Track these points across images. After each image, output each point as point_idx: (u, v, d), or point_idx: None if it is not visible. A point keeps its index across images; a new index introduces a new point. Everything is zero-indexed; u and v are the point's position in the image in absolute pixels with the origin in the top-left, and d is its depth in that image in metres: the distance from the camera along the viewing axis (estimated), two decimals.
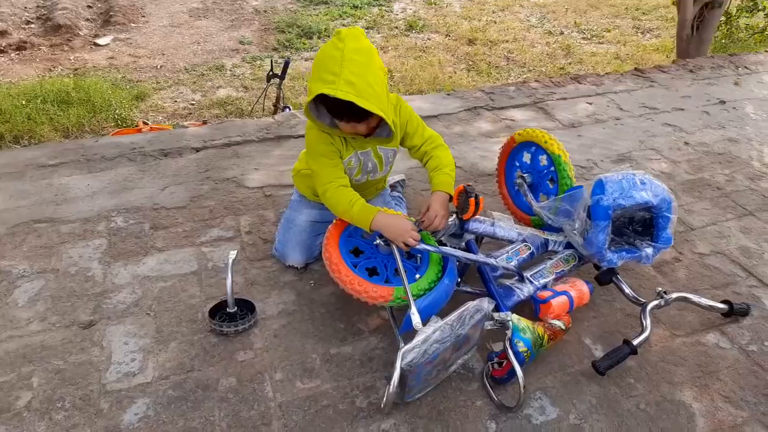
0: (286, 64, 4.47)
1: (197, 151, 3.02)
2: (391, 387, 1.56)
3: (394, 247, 1.86)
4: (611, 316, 2.11)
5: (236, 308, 2.00)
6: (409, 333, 1.70)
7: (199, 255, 2.30)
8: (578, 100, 3.77)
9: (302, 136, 3.18)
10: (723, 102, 3.79)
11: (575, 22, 8.39)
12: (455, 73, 6.22)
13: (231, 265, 1.97)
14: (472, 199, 1.87)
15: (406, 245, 1.86)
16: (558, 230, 2.23)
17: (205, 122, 3.56)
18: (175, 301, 2.09)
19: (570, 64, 6.81)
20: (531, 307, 1.98)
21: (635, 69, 4.33)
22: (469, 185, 1.89)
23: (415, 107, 3.56)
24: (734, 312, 2.07)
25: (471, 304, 1.75)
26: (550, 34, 7.92)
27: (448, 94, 3.82)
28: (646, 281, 2.28)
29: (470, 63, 6.64)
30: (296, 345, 1.94)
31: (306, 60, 6.58)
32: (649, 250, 2.06)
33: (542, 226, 2.33)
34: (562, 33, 7.97)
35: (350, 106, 1.71)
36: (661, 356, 1.96)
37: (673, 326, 2.08)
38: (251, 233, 2.44)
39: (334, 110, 1.80)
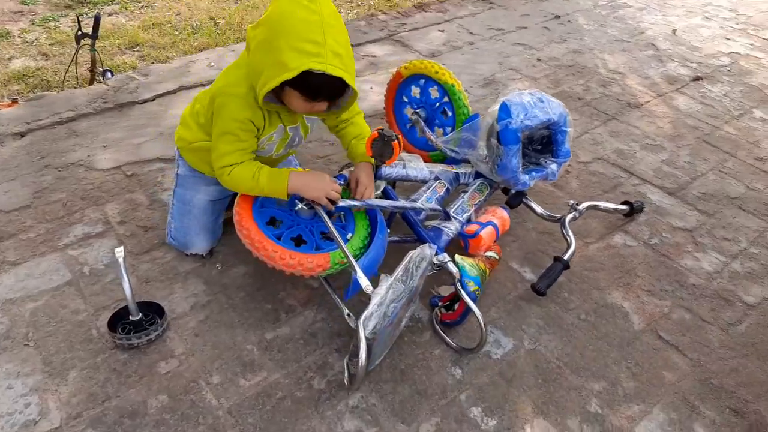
0: (97, 20, 3.82)
1: (22, 136, 2.47)
2: (362, 360, 1.41)
3: (319, 207, 1.67)
4: (528, 237, 2.14)
5: (140, 314, 1.68)
6: (354, 298, 1.58)
7: (68, 261, 1.90)
8: (430, 29, 3.72)
9: (148, 101, 2.76)
10: (558, 16, 3.99)
11: None
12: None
13: (124, 264, 1.63)
14: (395, 142, 1.72)
15: (331, 202, 1.68)
16: (460, 162, 2.18)
17: (15, 101, 2.92)
18: (57, 321, 1.70)
19: None
20: (458, 245, 1.92)
21: None
22: (381, 129, 1.73)
23: None
24: (634, 210, 2.21)
25: (414, 253, 1.65)
26: None
27: None
28: (546, 197, 2.34)
29: None
30: (224, 339, 1.70)
31: (111, 15, 5.73)
32: (554, 166, 2.09)
33: (442, 160, 2.26)
34: None
35: (331, 82, 1.46)
36: (582, 265, 2.04)
37: (582, 235, 2.16)
38: (125, 223, 2.06)
39: (308, 88, 1.49)
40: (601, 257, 2.08)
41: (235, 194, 1.79)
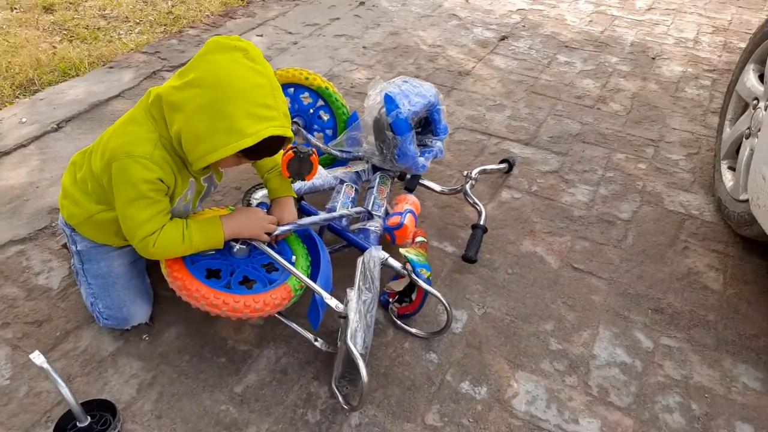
0: None
1: None
2: (364, 378, 1.40)
3: (260, 244, 1.59)
4: (432, 214, 2.25)
5: (88, 418, 1.46)
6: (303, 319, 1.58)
7: None
8: (247, 35, 3.62)
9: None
10: (363, 2, 4.13)
11: None
12: (56, 48, 5.20)
13: (51, 368, 1.39)
14: (312, 156, 1.69)
15: (269, 234, 1.61)
16: (348, 161, 2.20)
17: None
18: None
19: (174, 6, 6.38)
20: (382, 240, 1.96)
21: None
22: (295, 147, 1.69)
23: (84, 92, 2.93)
24: (512, 166, 2.43)
25: (364, 259, 1.65)
26: None
27: (110, 68, 3.22)
28: (429, 174, 2.46)
29: (65, 32, 5.61)
30: (192, 410, 1.55)
31: None
32: (439, 144, 2.23)
33: (330, 164, 2.26)
34: None
35: (277, 142, 1.43)
36: (489, 226, 2.20)
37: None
38: (9, 324, 1.75)
39: (255, 150, 1.40)
40: (500, 215, 2.27)
41: None
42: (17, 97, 3.07)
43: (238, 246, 1.60)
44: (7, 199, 2.23)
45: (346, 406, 1.53)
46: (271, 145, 1.43)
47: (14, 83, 3.25)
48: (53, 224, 2.11)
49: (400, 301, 1.82)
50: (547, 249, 2.11)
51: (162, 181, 1.46)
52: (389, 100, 2.01)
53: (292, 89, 2.24)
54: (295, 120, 2.26)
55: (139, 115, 1.48)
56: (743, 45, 3.74)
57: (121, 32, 5.95)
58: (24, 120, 2.71)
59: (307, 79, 2.16)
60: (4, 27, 4.94)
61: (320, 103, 2.24)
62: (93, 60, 3.54)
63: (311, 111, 2.26)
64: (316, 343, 1.66)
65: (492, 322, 1.83)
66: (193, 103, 1.34)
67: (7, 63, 3.49)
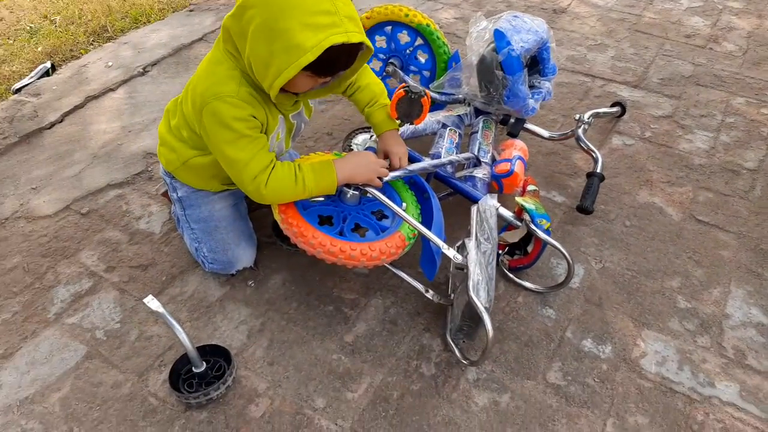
0: None
1: None
2: (489, 332, 1.31)
3: (371, 189, 1.50)
4: (536, 162, 2.11)
5: (204, 364, 1.43)
6: (410, 269, 1.49)
7: (71, 331, 1.57)
8: None
9: (56, 123, 2.33)
10: None
11: None
12: None
13: (167, 312, 1.36)
14: (424, 98, 1.57)
15: (381, 179, 1.52)
16: (443, 106, 2.06)
17: None
18: (100, 404, 1.41)
19: None
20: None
21: None
22: (406, 85, 1.57)
23: (167, 36, 2.87)
24: (624, 110, 2.24)
25: (480, 207, 1.54)
26: None
27: (191, 11, 3.15)
28: (529, 119, 2.30)
29: None
30: (304, 358, 1.50)
31: None
32: (548, 84, 2.05)
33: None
34: None
35: (348, 51, 1.28)
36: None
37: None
38: (115, 268, 1.74)
39: (325, 65, 1.27)
40: (612, 163, 2.10)
41: None
42: (91, 43, 3.05)
43: (351, 192, 1.51)
44: (100, 143, 2.22)
45: (464, 361, 1.45)
46: (341, 57, 1.29)
47: (87, 30, 3.23)
48: (149, 168, 2.09)
49: (511, 253, 1.71)
50: (667, 200, 1.95)
51: (255, 118, 1.37)
52: (500, 37, 1.85)
53: (389, 27, 2.10)
54: (391, 60, 2.14)
55: (218, 54, 1.38)
56: None
57: None
58: (110, 64, 2.68)
59: (407, 15, 2.02)
60: None
61: (419, 42, 2.10)
62: (163, 6, 3.46)
63: (409, 51, 2.13)
64: (427, 294, 1.58)
65: (611, 277, 1.70)
66: (252, 26, 1.23)
67: (79, 10, 3.46)
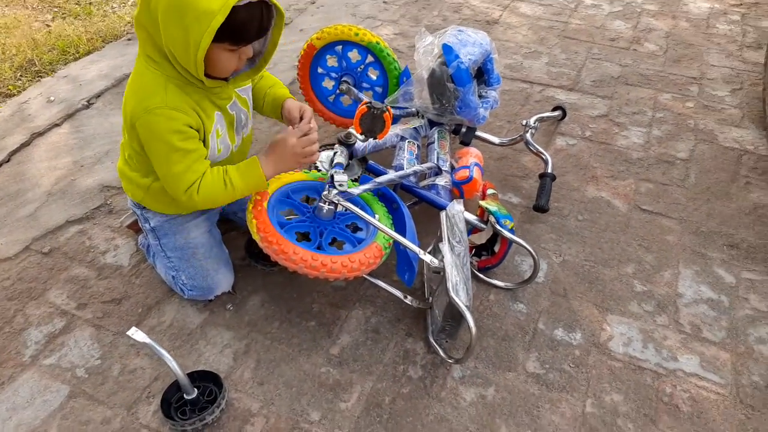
0: None
1: None
2: (473, 330, 1.38)
3: (348, 204, 1.55)
4: (490, 166, 2.22)
5: (195, 390, 1.44)
6: (385, 275, 1.57)
7: (51, 373, 1.54)
8: None
9: (3, 163, 2.25)
10: None
11: None
12: (50, 27, 5.02)
13: (155, 342, 1.37)
14: (386, 113, 1.64)
15: (345, 194, 1.57)
16: (397, 119, 2.15)
17: None
18: None
19: None
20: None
21: None
22: (369, 102, 1.64)
23: (107, 66, 2.82)
24: (565, 113, 2.39)
25: (448, 212, 1.62)
26: None
27: (128, 41, 3.11)
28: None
29: (56, 10, 5.42)
30: (293, 374, 1.53)
31: None
32: (494, 94, 2.17)
33: None
34: None
35: (256, 15, 1.29)
36: None
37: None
38: (87, 305, 1.71)
39: (236, 29, 1.27)
40: (559, 162, 2.23)
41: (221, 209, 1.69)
42: (19, 78, 2.96)
43: (326, 207, 1.55)
44: (53, 179, 2.17)
45: (450, 360, 1.52)
46: (252, 19, 1.30)
47: (14, 65, 3.14)
48: (108, 201, 2.06)
49: (479, 254, 1.80)
50: (613, 193, 2.09)
51: (191, 127, 1.39)
52: (448, 51, 1.95)
53: (339, 47, 2.16)
54: (344, 79, 2.20)
55: (140, 65, 1.40)
56: None
57: (114, 5, 5.75)
58: (52, 99, 2.62)
59: (356, 35, 2.09)
60: None
61: (369, 59, 2.17)
62: (91, 36, 3.41)
63: (360, 68, 2.20)
64: (406, 300, 1.64)
65: (572, 269, 1.82)
66: (160, 12, 1.25)
67: (1, 45, 3.36)
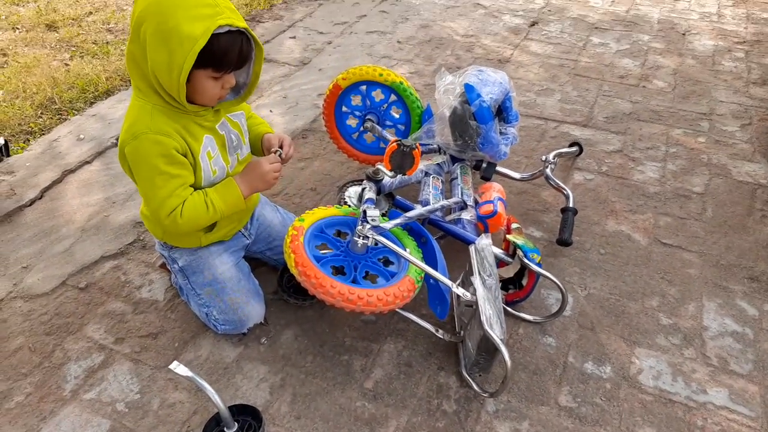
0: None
1: None
2: (508, 363, 1.42)
3: (381, 238, 1.60)
4: (511, 201, 2.27)
5: (236, 424, 1.47)
6: (416, 310, 1.61)
7: (92, 407, 1.56)
8: (280, 38, 3.61)
9: (36, 200, 2.31)
10: None
11: None
12: (69, 66, 5.15)
13: (197, 375, 1.40)
14: (416, 150, 1.71)
15: (377, 228, 1.62)
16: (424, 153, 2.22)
17: None
18: None
19: None
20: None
21: None
22: (398, 140, 1.71)
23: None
24: (582, 149, 2.46)
25: (477, 246, 1.67)
26: None
27: None
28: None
29: (73, 49, 5.57)
30: (330, 408, 1.56)
31: None
32: (513, 130, 2.24)
33: None
34: None
35: (237, 43, 1.38)
36: None
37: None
38: (124, 340, 1.75)
39: (217, 55, 1.36)
40: (578, 196, 2.29)
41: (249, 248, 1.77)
42: (39, 116, 3.06)
43: (360, 241, 1.60)
44: (86, 216, 2.23)
45: (484, 394, 1.55)
46: (233, 46, 1.37)
47: (34, 103, 3.23)
48: (141, 237, 2.11)
49: (506, 288, 1.84)
50: (632, 227, 2.15)
51: (177, 151, 1.45)
52: (470, 90, 2.03)
53: (364, 87, 2.24)
54: (368, 117, 2.27)
55: (132, 100, 1.49)
56: (766, 16, 3.80)
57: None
58: (82, 137, 2.70)
59: (381, 75, 2.17)
60: (10, 47, 4.94)
61: (392, 98, 2.25)
62: (110, 75, 3.52)
63: (384, 107, 2.27)
64: (437, 334, 1.68)
65: (598, 302, 1.86)
66: (147, 38, 1.33)
67: (22, 83, 3.46)
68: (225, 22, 1.32)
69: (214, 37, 1.32)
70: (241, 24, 1.37)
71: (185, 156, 1.48)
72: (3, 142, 2.66)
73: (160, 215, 1.48)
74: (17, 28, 5.67)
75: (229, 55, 1.38)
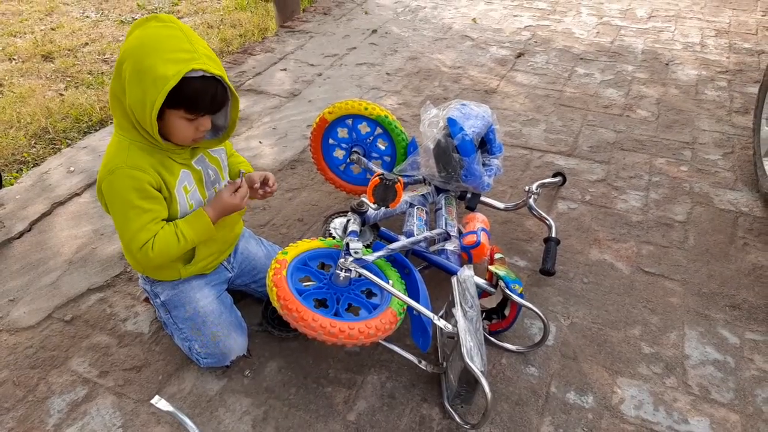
0: None
1: None
2: (488, 395, 1.42)
3: (364, 271, 1.62)
4: (495, 230, 2.30)
5: None
6: (399, 340, 1.62)
7: None
8: (271, 70, 3.68)
9: (25, 232, 2.33)
10: (375, 31, 4.22)
11: (137, 5, 7.86)
12: (63, 96, 5.22)
13: (176, 409, 1.40)
14: (398, 184, 1.74)
15: (360, 260, 1.65)
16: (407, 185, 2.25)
17: None
18: None
19: None
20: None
21: (282, 26, 4.40)
22: (382, 173, 1.74)
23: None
24: (565, 179, 2.50)
25: (459, 278, 1.69)
26: (123, 24, 7.25)
27: None
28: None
29: (68, 79, 5.65)
30: None
31: None
32: (496, 161, 2.28)
33: None
34: (133, 18, 7.38)
35: (211, 88, 1.42)
36: None
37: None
38: (108, 373, 1.75)
39: (190, 97, 1.41)
40: (561, 226, 2.32)
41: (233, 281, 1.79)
42: (33, 146, 3.10)
43: (342, 274, 1.62)
44: (74, 248, 2.24)
45: (466, 426, 1.56)
46: (205, 91, 1.42)
47: (28, 132, 3.28)
48: (128, 269, 2.12)
49: (489, 318, 1.85)
50: (615, 255, 2.17)
51: (151, 185, 1.49)
52: (453, 123, 2.07)
53: (350, 120, 2.28)
54: (354, 149, 2.31)
55: (113, 135, 1.54)
56: (747, 46, 3.89)
57: None
58: (72, 169, 2.72)
59: (366, 109, 2.21)
60: (6, 78, 5.00)
61: (378, 131, 2.29)
62: (103, 105, 3.58)
63: (369, 140, 2.31)
64: (420, 365, 1.69)
65: (581, 331, 1.87)
66: (126, 75, 1.39)
67: (17, 113, 3.51)
68: (199, 66, 1.37)
69: (187, 80, 1.36)
70: (216, 71, 1.41)
71: (159, 190, 1.52)
72: None
73: (132, 248, 1.51)
74: (14, 59, 5.74)
75: (201, 98, 1.43)
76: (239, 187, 1.65)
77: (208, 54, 1.43)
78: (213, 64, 1.41)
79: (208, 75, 1.39)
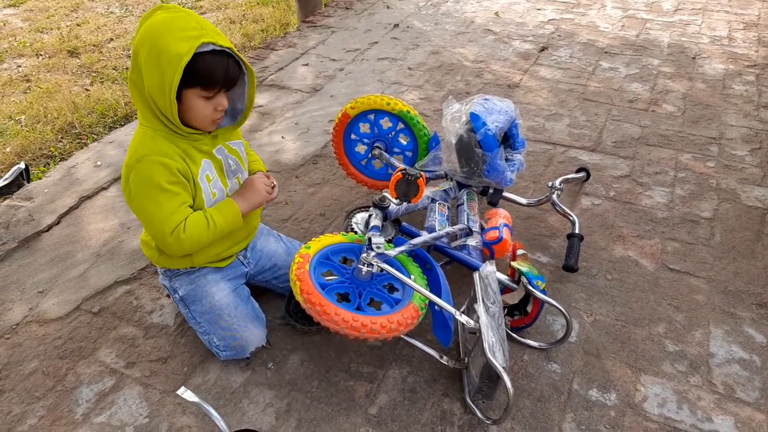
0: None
1: None
2: (510, 390, 1.42)
3: (386, 266, 1.63)
4: (518, 226, 2.29)
5: None
6: (421, 336, 1.62)
7: (102, 431, 1.60)
8: (294, 65, 3.69)
9: (54, 225, 2.38)
10: (397, 25, 4.22)
11: (160, 0, 7.93)
12: (89, 91, 5.30)
13: (204, 402, 1.42)
14: (420, 179, 1.74)
15: (382, 254, 1.65)
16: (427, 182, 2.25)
17: None
18: None
19: None
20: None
21: (304, 21, 4.42)
22: (404, 168, 1.74)
23: None
24: (589, 175, 2.47)
25: (481, 273, 1.69)
26: None
27: None
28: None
29: (94, 75, 5.74)
30: None
31: None
32: (519, 157, 2.27)
33: None
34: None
35: (223, 63, 1.46)
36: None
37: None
38: (135, 364, 1.79)
39: (204, 74, 1.44)
40: (585, 222, 2.30)
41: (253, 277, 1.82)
42: (60, 140, 3.16)
43: (365, 268, 1.63)
44: (101, 241, 2.28)
45: (487, 421, 1.56)
46: (218, 65, 1.45)
47: (55, 127, 3.34)
48: None
49: (511, 314, 1.85)
50: (640, 252, 2.15)
51: (179, 171, 1.52)
52: (476, 119, 2.06)
53: (372, 115, 2.29)
54: (376, 144, 2.31)
55: (137, 127, 1.58)
56: None
57: None
58: (99, 164, 2.77)
59: (388, 104, 2.21)
60: (33, 73, 5.09)
61: (400, 126, 2.29)
62: (128, 99, 3.63)
63: (391, 135, 2.31)
64: (442, 360, 1.69)
65: (604, 328, 1.86)
66: (142, 63, 1.43)
67: (44, 108, 3.57)
68: (208, 40, 1.42)
69: (199, 55, 1.41)
70: (225, 43, 1.45)
71: (186, 178, 1.55)
72: (24, 167, 2.75)
73: (165, 231, 1.53)
74: (40, 55, 5.84)
75: (214, 73, 1.46)
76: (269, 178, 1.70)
77: (215, 30, 1.47)
78: (220, 37, 1.46)
79: (218, 48, 1.43)
